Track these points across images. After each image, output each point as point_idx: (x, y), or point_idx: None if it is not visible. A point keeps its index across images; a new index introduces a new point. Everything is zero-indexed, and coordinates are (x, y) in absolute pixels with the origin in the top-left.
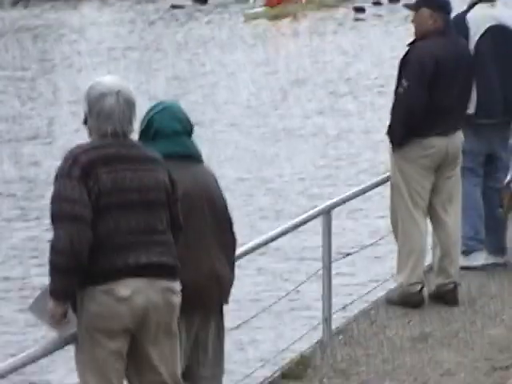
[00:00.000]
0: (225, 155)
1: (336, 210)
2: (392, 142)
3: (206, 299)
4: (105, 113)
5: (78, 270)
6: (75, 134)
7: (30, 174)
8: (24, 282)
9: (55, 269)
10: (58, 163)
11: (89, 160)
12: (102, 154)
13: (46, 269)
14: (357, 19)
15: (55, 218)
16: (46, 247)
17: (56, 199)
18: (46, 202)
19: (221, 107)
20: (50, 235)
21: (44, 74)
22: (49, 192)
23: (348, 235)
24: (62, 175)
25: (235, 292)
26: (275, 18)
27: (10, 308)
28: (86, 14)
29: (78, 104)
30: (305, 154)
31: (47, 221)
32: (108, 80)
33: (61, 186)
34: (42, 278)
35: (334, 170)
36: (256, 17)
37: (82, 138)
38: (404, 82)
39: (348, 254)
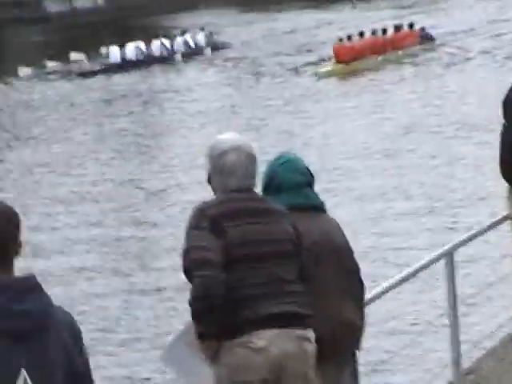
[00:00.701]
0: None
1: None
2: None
3: (338, 347)
4: (228, 169)
5: (218, 311)
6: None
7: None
8: None
9: (197, 314)
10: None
11: (216, 214)
12: (228, 208)
13: None
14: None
15: (189, 268)
16: None
17: (186, 251)
18: None
19: (335, 157)
20: None
21: (157, 135)
22: None
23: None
24: (190, 228)
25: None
26: (349, 74)
27: None
28: (190, 76)
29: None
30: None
31: None
32: (228, 137)
33: (190, 238)
34: None
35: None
36: (329, 75)
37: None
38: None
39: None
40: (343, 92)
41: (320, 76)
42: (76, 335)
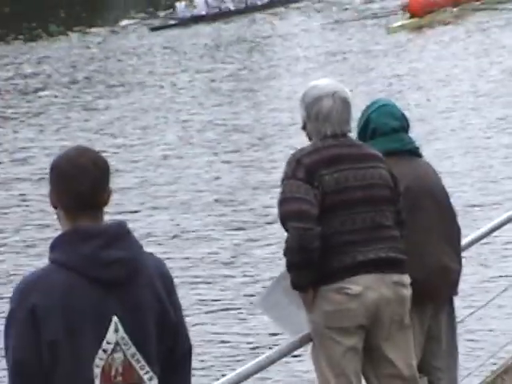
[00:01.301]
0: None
1: None
2: None
3: (436, 292)
4: (323, 115)
5: (312, 264)
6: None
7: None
8: None
9: (292, 266)
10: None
11: (312, 162)
12: (324, 155)
13: None
14: None
15: (284, 219)
16: None
17: (283, 201)
18: None
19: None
20: None
21: (262, 81)
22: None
23: None
24: (287, 178)
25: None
26: (420, 28)
27: None
28: (294, 23)
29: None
30: None
31: None
32: (323, 83)
33: (286, 188)
34: None
35: None
36: (401, 29)
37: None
38: None
39: None
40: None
41: (391, 31)
42: (168, 281)
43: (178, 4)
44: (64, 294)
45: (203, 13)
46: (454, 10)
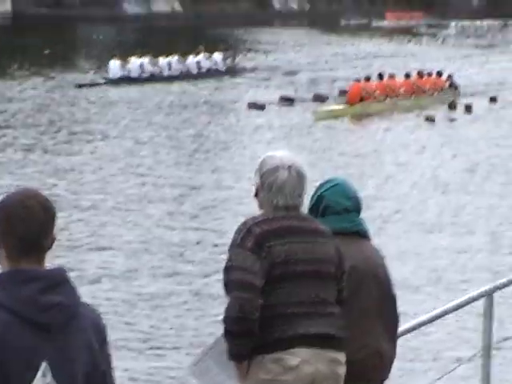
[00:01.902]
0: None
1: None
2: None
3: (369, 375)
4: (277, 186)
5: (251, 335)
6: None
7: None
8: None
9: (229, 334)
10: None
11: (262, 232)
12: (274, 226)
13: None
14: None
15: (227, 286)
16: None
17: (228, 269)
18: None
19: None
20: None
21: (222, 145)
22: None
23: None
24: (235, 245)
25: None
26: (357, 116)
27: None
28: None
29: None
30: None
31: None
32: (280, 154)
33: (233, 256)
34: None
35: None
36: (332, 115)
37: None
38: None
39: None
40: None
41: (318, 117)
42: (101, 332)
43: (112, 62)
44: (0, 335)
45: (135, 75)
46: (389, 100)
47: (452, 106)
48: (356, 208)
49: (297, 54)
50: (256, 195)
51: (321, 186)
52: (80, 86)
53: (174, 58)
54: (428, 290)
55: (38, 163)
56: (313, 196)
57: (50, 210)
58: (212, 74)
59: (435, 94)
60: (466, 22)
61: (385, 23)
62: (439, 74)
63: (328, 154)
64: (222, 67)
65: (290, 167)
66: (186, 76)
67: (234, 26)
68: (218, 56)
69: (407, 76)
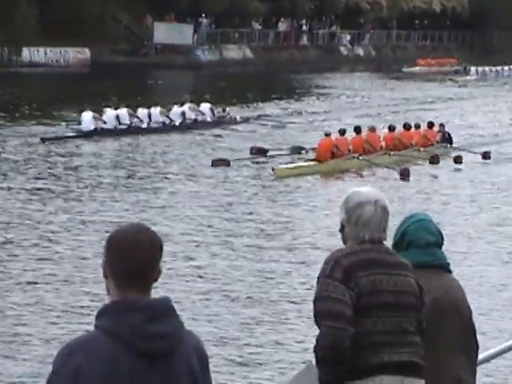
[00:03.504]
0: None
1: None
2: None
3: None
4: (363, 220)
5: (342, 363)
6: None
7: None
8: None
9: (322, 362)
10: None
11: (350, 263)
12: (361, 258)
13: None
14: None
15: (318, 316)
16: None
17: (319, 299)
18: None
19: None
20: None
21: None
22: None
23: None
24: (324, 276)
25: None
26: (327, 174)
27: None
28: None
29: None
30: None
31: None
32: (366, 190)
33: (323, 286)
34: None
35: None
36: (294, 173)
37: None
38: None
39: None
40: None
41: (279, 174)
42: (203, 357)
43: (84, 114)
44: (106, 360)
45: (110, 127)
46: (361, 158)
47: (434, 161)
48: (438, 242)
49: (342, 98)
50: (341, 230)
51: (404, 221)
52: (43, 139)
53: (156, 109)
54: (507, 320)
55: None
56: (397, 231)
57: (157, 244)
58: (198, 125)
59: (422, 149)
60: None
61: (416, 69)
62: (430, 125)
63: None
64: (209, 118)
65: (375, 202)
66: (166, 128)
67: (302, 71)
68: (205, 106)
69: (391, 129)
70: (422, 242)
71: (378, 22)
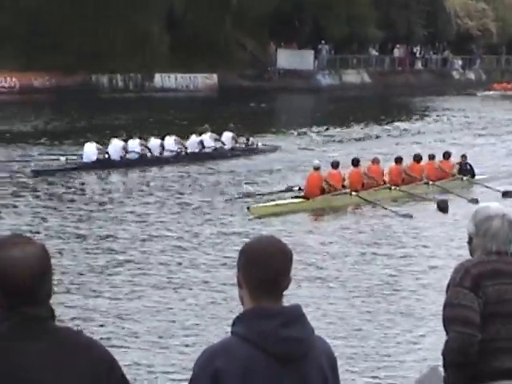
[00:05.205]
0: None
1: None
2: None
3: None
4: (491, 233)
5: (468, 366)
6: None
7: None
8: None
9: (450, 366)
10: None
11: (478, 273)
12: (488, 268)
13: None
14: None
15: (448, 322)
16: None
17: (449, 305)
18: None
19: None
20: None
21: None
22: None
23: None
24: (454, 284)
25: None
26: (316, 212)
27: None
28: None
29: None
30: None
31: None
32: (494, 205)
33: (453, 294)
34: None
35: None
36: (270, 213)
37: None
38: None
39: None
40: None
41: (255, 212)
42: (333, 364)
43: (88, 145)
44: (243, 364)
45: (117, 158)
46: (353, 194)
47: (443, 208)
48: None
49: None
50: (469, 242)
51: None
52: (36, 172)
53: (171, 138)
54: None
55: None
56: None
57: (289, 255)
58: (218, 155)
59: (430, 183)
60: None
61: (490, 93)
62: (446, 156)
63: None
64: (229, 147)
65: (503, 216)
66: (183, 158)
67: (416, 95)
68: (226, 135)
69: (397, 161)
70: None
71: (488, 48)
